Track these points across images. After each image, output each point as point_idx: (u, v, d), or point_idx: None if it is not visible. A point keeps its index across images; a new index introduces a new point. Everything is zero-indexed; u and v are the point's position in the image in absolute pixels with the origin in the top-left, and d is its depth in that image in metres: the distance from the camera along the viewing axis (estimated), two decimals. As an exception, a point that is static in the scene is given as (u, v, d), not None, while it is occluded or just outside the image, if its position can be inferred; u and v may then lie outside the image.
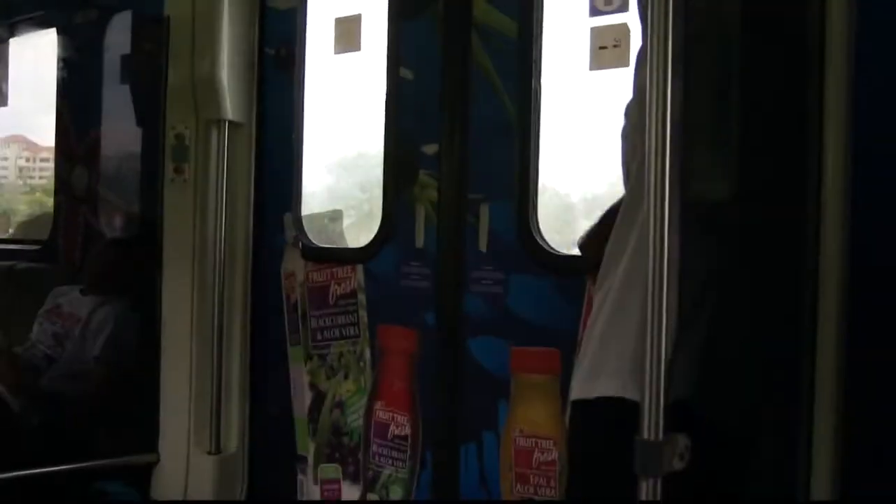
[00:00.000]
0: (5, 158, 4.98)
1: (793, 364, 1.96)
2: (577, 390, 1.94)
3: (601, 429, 1.88)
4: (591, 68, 2.78)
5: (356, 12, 3.32)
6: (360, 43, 3.31)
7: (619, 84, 2.67)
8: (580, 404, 1.92)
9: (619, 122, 2.08)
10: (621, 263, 1.93)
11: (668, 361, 1.64)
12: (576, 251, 2.57)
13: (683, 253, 1.76)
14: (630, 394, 1.77)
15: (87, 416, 3.62)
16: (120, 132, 4.04)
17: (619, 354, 1.85)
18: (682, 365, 1.77)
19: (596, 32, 2.75)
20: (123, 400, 3.64)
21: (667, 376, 1.64)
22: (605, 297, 1.99)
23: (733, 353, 1.89)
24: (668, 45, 1.68)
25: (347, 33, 3.33)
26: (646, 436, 1.57)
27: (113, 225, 4.04)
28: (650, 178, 1.68)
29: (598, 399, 1.86)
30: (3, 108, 4.49)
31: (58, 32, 4.20)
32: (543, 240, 2.84)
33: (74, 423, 3.61)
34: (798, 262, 2.02)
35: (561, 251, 2.82)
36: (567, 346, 2.71)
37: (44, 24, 4.24)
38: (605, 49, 2.74)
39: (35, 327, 3.80)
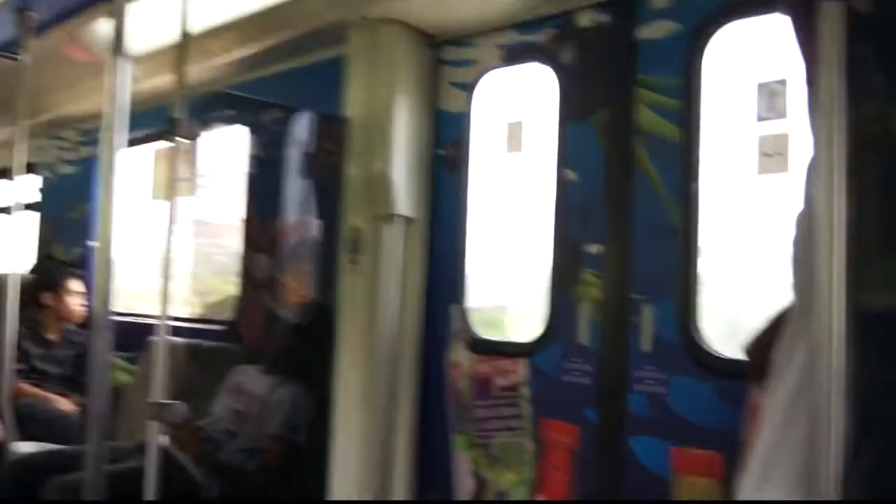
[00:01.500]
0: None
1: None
2: (744, 497, 1.90)
3: (767, 541, 1.84)
4: (759, 173, 2.76)
5: (522, 116, 3.42)
6: (524, 145, 3.40)
7: (788, 188, 2.66)
8: (746, 511, 1.89)
9: (791, 229, 2.05)
10: (790, 373, 1.90)
11: (839, 478, 1.60)
12: (740, 355, 2.53)
13: (854, 365, 1.72)
14: None
15: (263, 489, 3.74)
16: (300, 223, 4.23)
17: (787, 467, 1.81)
18: (855, 482, 1.72)
19: (762, 140, 2.74)
20: (296, 477, 3.75)
21: (838, 492, 1.60)
22: (774, 406, 1.96)
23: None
24: (835, 155, 1.67)
25: (517, 136, 3.42)
26: (816, 555, 1.53)
27: (292, 310, 4.20)
28: (820, 288, 1.66)
29: (764, 505, 1.82)
30: (223, 197, 4.75)
31: (249, 131, 4.46)
32: (706, 342, 2.82)
33: (251, 495, 3.74)
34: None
35: (724, 354, 2.78)
36: (729, 449, 2.65)
37: (235, 122, 4.50)
38: (769, 156, 2.72)
39: (218, 403, 3.97)
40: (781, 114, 2.71)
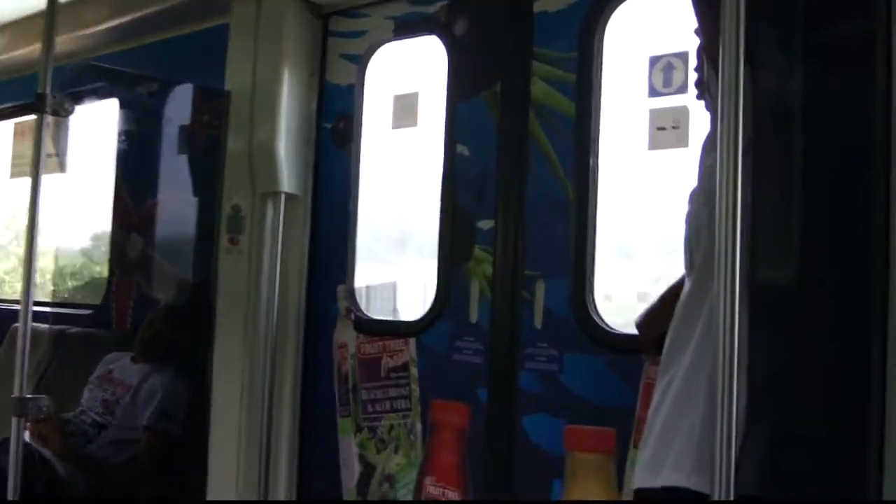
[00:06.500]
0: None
1: (862, 457, 1.92)
2: (640, 479, 1.92)
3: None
4: (650, 148, 2.79)
5: (414, 90, 3.39)
6: (417, 119, 3.37)
7: (680, 164, 2.70)
8: (643, 493, 1.90)
9: (683, 204, 2.08)
10: (687, 351, 1.91)
11: (737, 454, 1.62)
12: (632, 330, 2.56)
13: (752, 342, 1.74)
14: (695, 485, 1.76)
15: (136, 483, 3.61)
16: (177, 202, 4.12)
17: (684, 444, 1.83)
18: (751, 458, 1.74)
19: (655, 114, 2.77)
20: (172, 468, 3.64)
21: (736, 469, 1.62)
22: (668, 385, 1.97)
23: (803, 446, 1.86)
24: (738, 131, 1.69)
25: (405, 110, 3.38)
26: (716, 528, 1.55)
27: (166, 292, 4.09)
28: (720, 265, 1.68)
29: (661, 488, 1.84)
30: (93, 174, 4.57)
31: (120, 105, 4.30)
32: (600, 318, 2.84)
33: (123, 490, 3.60)
34: (865, 350, 1.99)
35: (617, 329, 2.81)
36: (623, 425, 2.69)
37: (106, 95, 4.33)
38: (664, 130, 2.76)
39: (86, 393, 3.81)
40: (679, 88, 2.74)
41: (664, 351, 2.03)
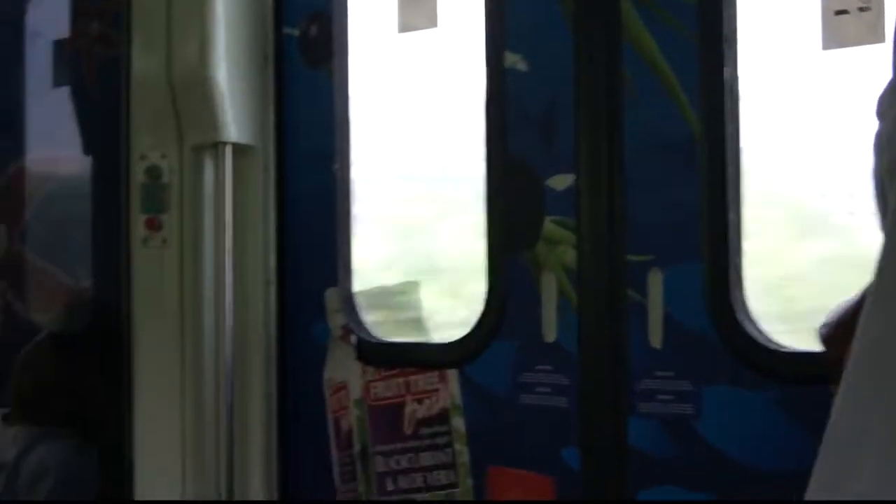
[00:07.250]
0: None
1: None
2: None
3: None
4: (826, 46, 2.76)
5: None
6: (435, 15, 3.38)
7: (876, 70, 2.66)
8: None
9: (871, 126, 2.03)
10: (888, 361, 1.87)
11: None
12: (815, 347, 2.52)
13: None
14: None
15: None
16: (56, 166, 4.16)
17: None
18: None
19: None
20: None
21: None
22: (864, 429, 1.93)
23: None
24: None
25: (418, 1, 3.40)
26: None
27: (50, 312, 4.11)
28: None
29: None
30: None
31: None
32: (756, 327, 2.81)
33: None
34: None
35: (787, 346, 2.79)
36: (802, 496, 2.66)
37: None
38: (846, 15, 2.71)
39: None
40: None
41: (850, 365, 1.99)
